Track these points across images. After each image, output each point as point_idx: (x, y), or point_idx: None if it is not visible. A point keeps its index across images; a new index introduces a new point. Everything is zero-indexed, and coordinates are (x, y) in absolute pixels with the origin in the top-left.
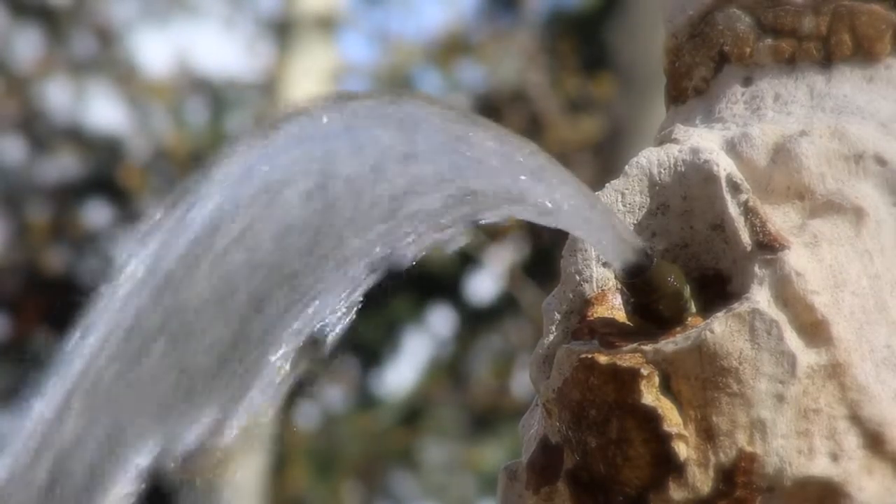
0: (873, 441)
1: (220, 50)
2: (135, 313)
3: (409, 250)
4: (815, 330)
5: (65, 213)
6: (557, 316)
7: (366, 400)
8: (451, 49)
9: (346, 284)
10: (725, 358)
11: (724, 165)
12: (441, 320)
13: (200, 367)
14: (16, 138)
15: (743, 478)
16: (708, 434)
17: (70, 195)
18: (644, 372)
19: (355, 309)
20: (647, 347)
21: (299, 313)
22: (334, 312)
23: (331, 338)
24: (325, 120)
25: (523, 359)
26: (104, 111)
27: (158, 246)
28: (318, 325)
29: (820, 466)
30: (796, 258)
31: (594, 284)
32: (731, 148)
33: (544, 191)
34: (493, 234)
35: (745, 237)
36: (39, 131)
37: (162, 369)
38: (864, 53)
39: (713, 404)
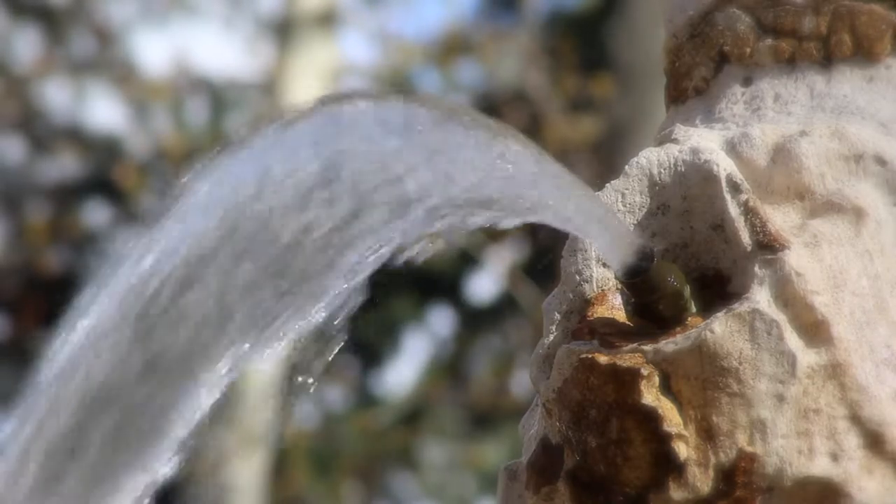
0: (873, 441)
1: (220, 50)
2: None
3: (411, 251)
4: (815, 330)
5: (64, 213)
6: (557, 316)
7: (366, 400)
8: (451, 49)
9: (345, 286)
10: (725, 358)
11: (724, 165)
12: (441, 320)
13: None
14: (15, 138)
15: (743, 478)
16: (708, 434)
17: (69, 195)
18: (644, 372)
19: (356, 307)
20: (647, 347)
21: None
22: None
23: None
24: (327, 118)
25: (523, 359)
26: (104, 111)
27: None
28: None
29: (820, 466)
30: (796, 258)
31: (594, 284)
32: (731, 148)
33: (544, 191)
34: (493, 234)
35: (746, 237)
36: (39, 131)
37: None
38: (865, 53)
39: (713, 404)
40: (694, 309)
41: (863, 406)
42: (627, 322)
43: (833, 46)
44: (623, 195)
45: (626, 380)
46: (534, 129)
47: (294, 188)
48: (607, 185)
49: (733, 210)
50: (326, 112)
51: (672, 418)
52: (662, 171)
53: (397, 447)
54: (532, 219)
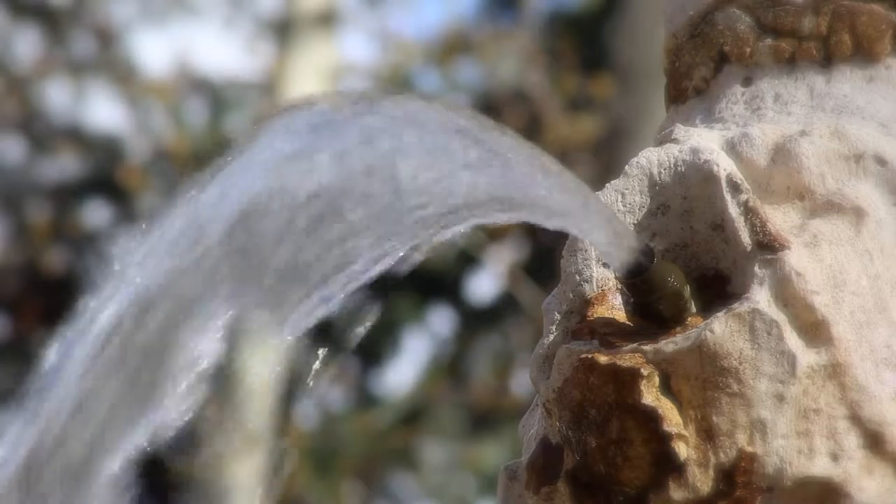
0: (873, 441)
1: (220, 50)
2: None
3: (411, 251)
4: (815, 330)
5: (65, 213)
6: (557, 316)
7: (366, 400)
8: (451, 49)
9: (347, 284)
10: (725, 358)
11: (725, 165)
12: (441, 320)
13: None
14: (16, 138)
15: (743, 478)
16: (708, 434)
17: (70, 195)
18: (644, 372)
19: (357, 308)
20: (647, 347)
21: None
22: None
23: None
24: (328, 118)
25: (523, 359)
26: (104, 111)
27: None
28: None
29: (820, 466)
30: (796, 258)
31: (594, 284)
32: (731, 148)
33: (544, 191)
34: (493, 234)
35: (745, 237)
36: (39, 131)
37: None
38: (865, 53)
39: (713, 404)
40: (694, 309)
41: (863, 406)
42: (627, 322)
43: (833, 46)
44: (623, 195)
45: (626, 380)
46: (534, 129)
47: (300, 185)
48: (607, 185)
49: (733, 210)
50: (336, 109)
51: (672, 418)
52: (662, 171)
53: (397, 447)
54: (532, 219)
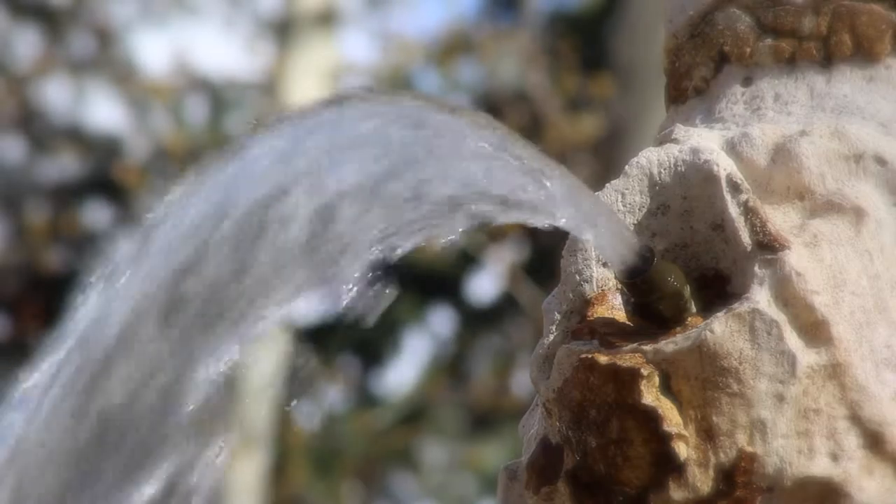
0: (873, 441)
1: (220, 50)
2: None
3: (407, 249)
4: (815, 330)
5: (64, 212)
6: (557, 316)
7: (366, 400)
8: (451, 49)
9: (342, 285)
10: (725, 358)
11: (725, 165)
12: (441, 320)
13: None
14: (15, 138)
15: (743, 478)
16: (708, 434)
17: (69, 195)
18: (644, 372)
19: (351, 308)
20: (647, 347)
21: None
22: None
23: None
24: (328, 117)
25: (523, 359)
26: (104, 111)
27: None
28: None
29: (820, 466)
30: (796, 258)
31: (594, 284)
32: (731, 148)
33: (544, 191)
34: (493, 234)
35: (745, 237)
36: (39, 131)
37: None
38: (864, 53)
39: (713, 404)
40: (694, 309)
41: (863, 406)
42: (627, 322)
43: (833, 46)
44: (623, 195)
45: (626, 380)
46: (534, 129)
47: (302, 184)
48: (607, 185)
49: (733, 210)
50: (340, 108)
51: (672, 418)
52: (662, 171)
53: (397, 447)
54: (533, 219)
